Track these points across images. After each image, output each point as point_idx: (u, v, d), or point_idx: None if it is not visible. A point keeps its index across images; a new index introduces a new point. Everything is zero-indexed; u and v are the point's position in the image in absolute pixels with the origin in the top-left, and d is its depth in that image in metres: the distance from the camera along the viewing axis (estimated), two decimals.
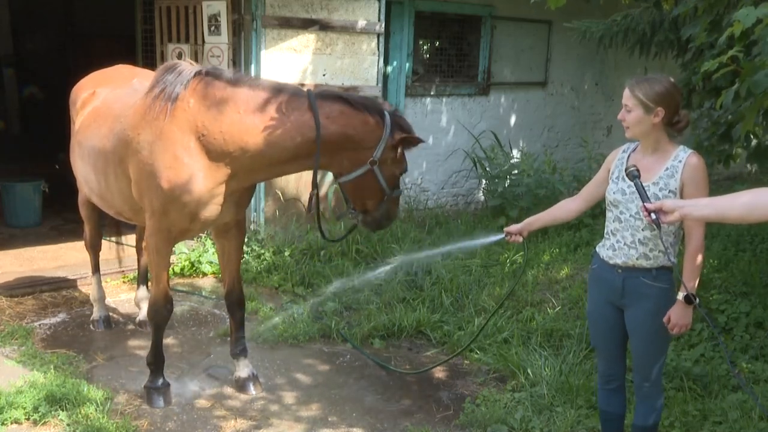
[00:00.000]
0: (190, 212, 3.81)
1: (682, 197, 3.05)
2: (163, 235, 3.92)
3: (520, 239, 3.60)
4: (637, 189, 2.93)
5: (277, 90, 3.78)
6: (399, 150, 3.84)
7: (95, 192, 4.42)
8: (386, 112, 3.83)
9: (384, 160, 3.83)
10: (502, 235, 3.65)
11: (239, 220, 4.23)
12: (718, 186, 8.88)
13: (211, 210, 3.87)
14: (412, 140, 3.84)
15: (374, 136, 3.78)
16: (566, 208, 3.54)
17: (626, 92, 3.11)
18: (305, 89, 3.88)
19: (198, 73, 3.79)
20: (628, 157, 3.24)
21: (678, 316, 3.08)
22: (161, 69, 3.93)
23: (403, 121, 3.93)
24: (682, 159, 3.08)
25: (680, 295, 3.06)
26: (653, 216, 2.69)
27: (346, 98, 3.84)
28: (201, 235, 6.55)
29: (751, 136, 4.77)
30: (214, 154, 3.72)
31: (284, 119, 3.70)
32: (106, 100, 4.42)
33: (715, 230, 6.46)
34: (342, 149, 3.80)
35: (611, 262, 3.22)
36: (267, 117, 3.70)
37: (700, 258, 3.10)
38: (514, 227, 3.61)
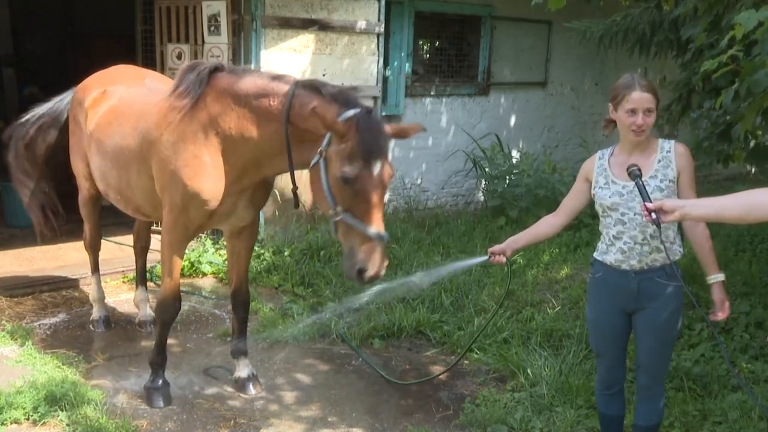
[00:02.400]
0: (209, 209, 3.87)
1: (677, 185, 3.10)
2: (180, 230, 3.96)
3: (503, 259, 3.54)
4: (638, 188, 2.93)
5: (273, 79, 3.72)
6: (342, 145, 3.34)
7: (113, 188, 4.45)
8: (353, 106, 3.42)
9: (329, 155, 3.41)
10: (486, 257, 3.60)
11: (253, 221, 4.25)
12: (718, 186, 8.88)
13: (228, 206, 3.91)
14: (340, 129, 3.31)
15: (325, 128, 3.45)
16: (549, 224, 3.52)
17: (644, 95, 3.03)
18: (294, 79, 3.70)
19: (214, 70, 3.83)
20: (609, 161, 3.23)
21: (723, 296, 3.15)
22: (184, 69, 3.99)
23: (367, 120, 3.34)
24: (671, 149, 3.12)
25: (721, 277, 3.14)
26: (653, 215, 2.69)
27: (321, 89, 3.55)
28: (201, 235, 6.55)
29: (750, 136, 4.77)
30: (226, 149, 3.76)
31: (271, 109, 3.64)
32: (124, 98, 4.46)
33: (715, 231, 6.43)
34: (307, 141, 3.56)
35: (623, 266, 3.18)
36: (260, 107, 3.67)
37: (710, 240, 3.15)
38: (497, 247, 3.56)
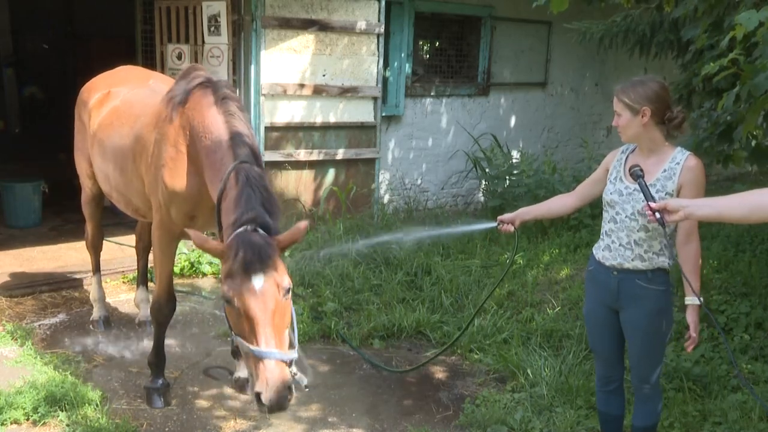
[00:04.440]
0: (187, 212, 3.89)
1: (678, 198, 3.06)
2: (165, 232, 3.99)
3: (512, 229, 3.61)
4: (641, 188, 2.94)
5: (232, 143, 3.57)
6: (224, 266, 3.14)
7: (114, 187, 4.49)
8: (242, 225, 3.18)
9: (221, 272, 3.19)
10: (495, 223, 3.67)
11: None
12: (718, 186, 8.89)
13: (207, 213, 3.91)
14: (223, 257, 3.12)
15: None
16: (561, 203, 3.57)
17: (614, 99, 3.16)
18: (241, 163, 3.44)
19: (201, 84, 3.85)
20: (627, 158, 3.25)
21: (697, 321, 3.10)
22: (180, 74, 4.06)
23: (245, 237, 3.11)
24: (680, 161, 3.08)
25: (698, 300, 3.06)
26: (657, 215, 2.69)
27: (242, 198, 3.29)
28: None
29: (750, 137, 4.78)
30: (193, 163, 3.79)
31: (217, 176, 3.52)
32: (126, 99, 4.50)
33: (715, 231, 6.45)
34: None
35: (607, 263, 3.22)
36: (213, 159, 3.60)
37: (699, 259, 3.13)
38: (507, 216, 3.63)
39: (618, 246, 3.18)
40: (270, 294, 3.05)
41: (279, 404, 2.94)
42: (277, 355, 2.97)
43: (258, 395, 2.97)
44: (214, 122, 3.68)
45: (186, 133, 3.78)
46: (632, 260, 3.14)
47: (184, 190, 3.81)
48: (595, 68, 9.79)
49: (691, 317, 3.12)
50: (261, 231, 3.18)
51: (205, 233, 6.41)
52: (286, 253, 6.45)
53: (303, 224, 3.22)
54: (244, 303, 3.03)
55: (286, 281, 3.15)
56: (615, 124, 3.18)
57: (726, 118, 4.46)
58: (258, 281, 3.04)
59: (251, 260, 3.04)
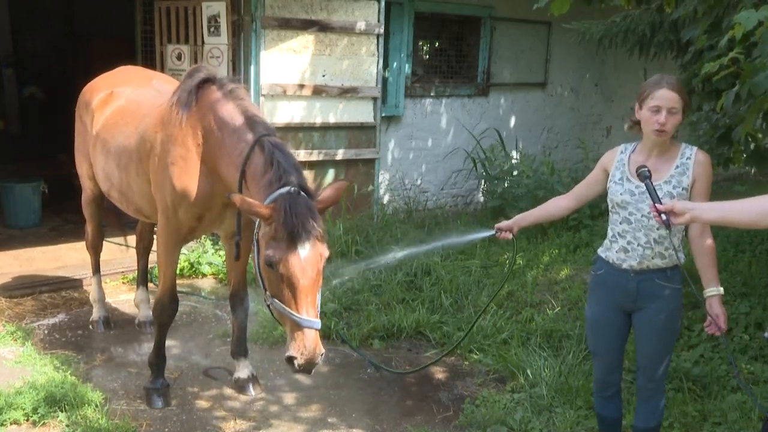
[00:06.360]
0: (196, 212, 3.89)
1: (690, 193, 3.07)
2: (172, 233, 3.98)
3: (510, 236, 3.57)
4: (647, 189, 2.91)
5: (247, 120, 3.62)
6: (267, 228, 3.20)
7: (116, 188, 4.48)
8: (282, 185, 3.25)
9: (259, 238, 3.29)
10: (493, 232, 3.63)
11: (246, 224, 4.25)
12: (718, 187, 8.85)
13: (217, 213, 3.93)
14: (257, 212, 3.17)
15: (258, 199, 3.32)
16: (557, 206, 3.52)
17: (670, 94, 3.01)
18: (263, 136, 3.50)
19: (205, 81, 3.85)
20: (629, 158, 3.22)
21: (722, 310, 3.07)
22: (186, 74, 4.06)
23: (291, 201, 3.17)
24: (691, 156, 3.09)
25: (720, 290, 3.07)
26: (664, 217, 2.68)
27: (270, 158, 3.38)
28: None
29: (749, 139, 4.77)
30: (205, 162, 3.80)
31: (235, 154, 3.56)
32: (131, 99, 4.50)
33: (715, 231, 6.42)
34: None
35: (624, 265, 3.18)
36: (228, 143, 3.62)
37: (714, 250, 3.14)
38: (504, 224, 3.58)
39: (636, 246, 3.14)
40: (314, 263, 3.18)
41: (308, 370, 3.19)
42: (315, 324, 3.16)
43: (291, 358, 3.16)
44: (227, 111, 3.70)
45: (197, 133, 3.78)
46: (652, 258, 3.13)
47: (194, 191, 3.81)
48: (594, 68, 9.79)
49: (715, 308, 3.07)
50: (303, 194, 3.24)
51: (207, 236, 6.45)
52: None
53: (342, 183, 3.38)
54: (289, 271, 3.14)
55: (327, 251, 3.26)
56: (664, 121, 3.00)
57: (725, 121, 4.46)
58: (304, 250, 3.14)
59: (299, 228, 3.12)
